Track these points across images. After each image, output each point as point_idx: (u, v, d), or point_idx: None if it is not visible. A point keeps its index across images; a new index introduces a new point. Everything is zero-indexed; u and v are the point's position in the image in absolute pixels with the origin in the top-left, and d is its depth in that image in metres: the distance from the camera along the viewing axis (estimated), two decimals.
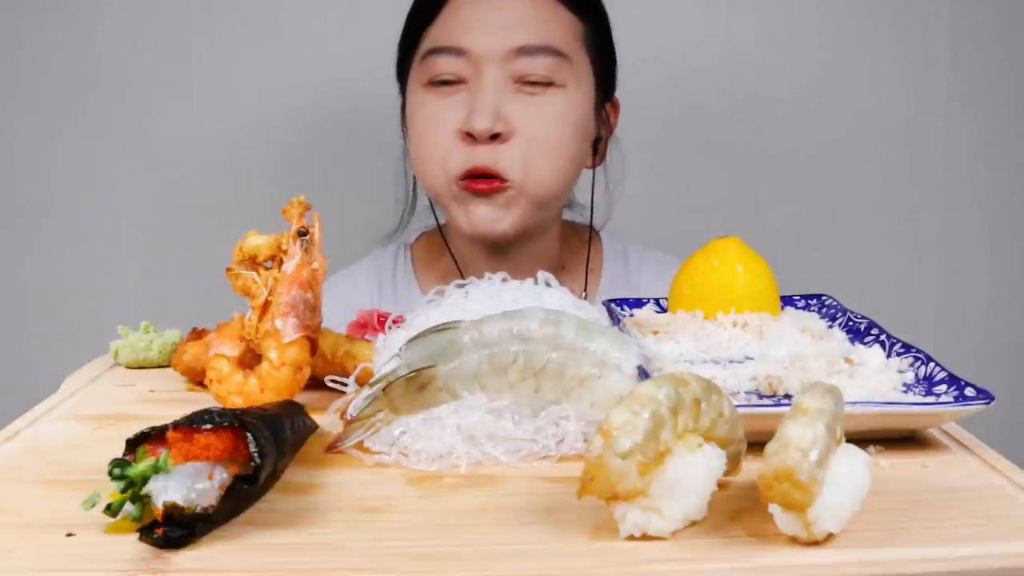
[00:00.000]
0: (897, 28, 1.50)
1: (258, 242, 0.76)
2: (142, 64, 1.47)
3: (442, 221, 1.19)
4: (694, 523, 0.54)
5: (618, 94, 1.19)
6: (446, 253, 1.19)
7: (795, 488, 0.49)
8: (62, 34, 1.46)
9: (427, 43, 1.08)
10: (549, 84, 1.05)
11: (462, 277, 1.14)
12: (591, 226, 1.21)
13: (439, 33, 1.07)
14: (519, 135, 1.04)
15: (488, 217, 1.06)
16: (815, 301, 0.89)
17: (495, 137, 1.04)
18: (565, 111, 1.06)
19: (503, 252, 1.14)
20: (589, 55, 1.10)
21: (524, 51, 1.04)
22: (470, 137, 1.04)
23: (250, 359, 0.74)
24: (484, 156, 1.04)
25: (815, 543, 0.51)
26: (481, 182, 1.04)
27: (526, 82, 1.05)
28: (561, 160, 1.07)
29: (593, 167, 1.17)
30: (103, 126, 1.48)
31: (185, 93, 1.48)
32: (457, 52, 1.05)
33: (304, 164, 1.49)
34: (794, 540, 0.52)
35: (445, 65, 1.05)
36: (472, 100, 1.04)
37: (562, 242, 1.20)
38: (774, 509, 0.52)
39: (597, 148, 1.16)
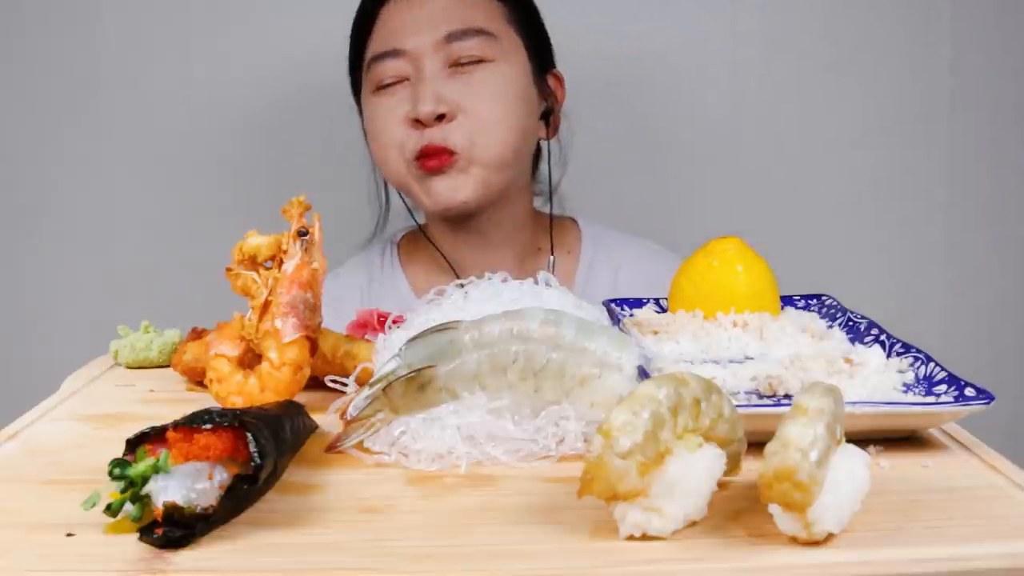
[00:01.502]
0: (898, 29, 1.50)
1: (258, 242, 0.76)
2: (142, 64, 1.47)
3: (421, 221, 1.27)
4: (694, 523, 0.54)
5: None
6: (429, 246, 1.26)
7: (795, 488, 0.49)
8: (62, 34, 1.46)
9: (369, 52, 1.17)
10: (480, 61, 1.13)
11: (447, 265, 1.23)
12: (551, 191, 1.27)
13: (377, 41, 1.16)
14: (463, 113, 1.12)
15: (446, 188, 1.13)
16: (815, 301, 0.89)
17: (441, 118, 1.11)
18: (499, 82, 1.14)
19: (477, 232, 1.20)
20: (517, 32, 1.17)
21: (452, 37, 1.12)
22: (419, 123, 1.12)
23: (250, 359, 0.74)
24: (434, 135, 1.11)
25: (815, 543, 0.51)
26: (432, 159, 1.12)
27: (460, 64, 1.13)
28: (504, 127, 1.13)
29: (547, 138, 1.24)
30: (103, 126, 1.48)
31: (185, 93, 1.48)
32: (395, 54, 1.13)
33: (305, 164, 1.49)
34: (794, 540, 0.52)
35: (387, 69, 1.14)
36: (415, 91, 1.12)
37: (536, 224, 1.26)
38: (774, 509, 0.52)
39: (550, 121, 1.23)
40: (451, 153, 1.11)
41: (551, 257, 1.22)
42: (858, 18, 1.50)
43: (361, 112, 1.22)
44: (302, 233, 0.76)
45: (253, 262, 0.76)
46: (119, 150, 1.48)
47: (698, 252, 0.87)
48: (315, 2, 1.46)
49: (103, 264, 1.50)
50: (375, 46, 1.16)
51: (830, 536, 0.52)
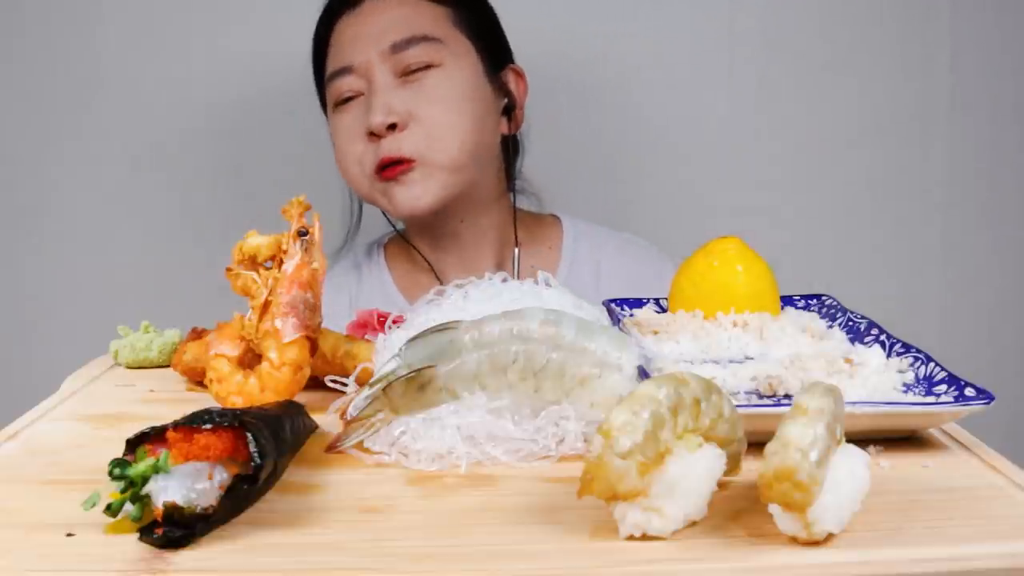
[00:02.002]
0: (896, 28, 1.50)
1: (258, 242, 0.76)
2: (142, 64, 1.47)
3: (400, 227, 1.29)
4: (694, 523, 0.54)
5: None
6: (413, 248, 1.28)
7: (795, 488, 0.49)
8: (62, 34, 1.46)
9: (327, 70, 1.20)
10: (429, 67, 1.15)
11: (427, 263, 1.25)
12: (514, 180, 1.28)
13: (332, 59, 1.19)
14: (416, 120, 1.14)
15: (408, 196, 1.15)
16: (815, 301, 0.89)
17: (394, 128, 1.13)
18: (449, 86, 1.15)
19: (454, 233, 1.22)
20: (465, 33, 1.19)
21: (397, 47, 1.14)
22: (374, 135, 1.14)
23: (250, 359, 0.74)
24: (389, 146, 1.13)
25: (815, 543, 0.51)
26: (391, 170, 1.14)
27: (408, 72, 1.14)
28: (458, 130, 1.15)
29: (510, 133, 1.25)
30: (103, 126, 1.48)
31: (185, 93, 1.48)
32: (347, 71, 1.16)
33: (306, 164, 1.48)
34: (794, 540, 0.52)
35: (342, 85, 1.17)
36: (367, 104, 1.15)
37: (518, 221, 1.27)
38: (774, 509, 0.52)
39: (512, 116, 1.24)
40: (409, 161, 1.13)
41: (516, 249, 1.23)
42: (856, 17, 1.50)
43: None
44: (302, 233, 0.76)
45: (253, 262, 0.76)
46: (119, 150, 1.48)
47: (698, 252, 0.87)
48: (318, 2, 1.46)
49: (103, 264, 1.50)
50: (331, 64, 1.19)
51: (830, 536, 0.52)
